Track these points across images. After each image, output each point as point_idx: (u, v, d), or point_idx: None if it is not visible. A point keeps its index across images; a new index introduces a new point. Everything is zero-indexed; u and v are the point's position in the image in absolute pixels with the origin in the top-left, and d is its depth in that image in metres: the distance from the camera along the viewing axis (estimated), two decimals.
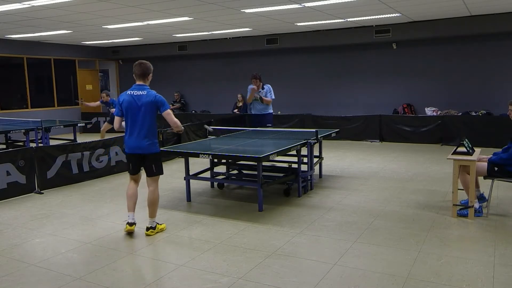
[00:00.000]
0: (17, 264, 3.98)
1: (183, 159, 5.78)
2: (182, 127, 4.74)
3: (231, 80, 14.45)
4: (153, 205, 4.61)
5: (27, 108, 13.88)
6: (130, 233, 4.66)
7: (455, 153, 5.00)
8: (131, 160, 4.65)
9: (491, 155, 5.03)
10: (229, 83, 14.46)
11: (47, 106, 14.57)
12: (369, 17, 9.98)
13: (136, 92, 4.44)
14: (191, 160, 6.15)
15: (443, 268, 3.69)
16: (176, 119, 4.54)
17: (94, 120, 14.58)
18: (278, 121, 12.50)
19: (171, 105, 15.13)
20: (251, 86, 8.15)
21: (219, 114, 13.32)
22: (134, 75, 4.53)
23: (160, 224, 4.76)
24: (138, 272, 3.78)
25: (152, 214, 4.64)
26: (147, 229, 4.60)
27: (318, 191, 6.37)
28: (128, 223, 4.61)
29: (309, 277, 3.57)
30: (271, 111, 8.39)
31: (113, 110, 10.00)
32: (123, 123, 4.58)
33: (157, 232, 4.66)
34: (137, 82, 4.54)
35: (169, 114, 4.46)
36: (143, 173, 4.72)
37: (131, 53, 15.51)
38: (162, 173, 4.68)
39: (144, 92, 4.43)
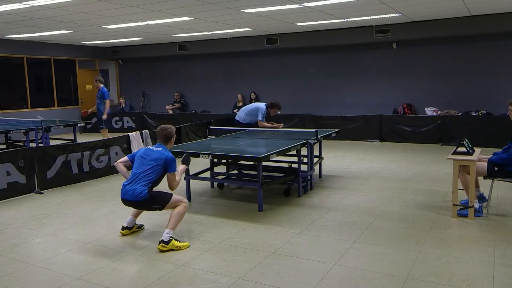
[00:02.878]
0: (17, 264, 3.98)
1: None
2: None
3: (231, 80, 14.45)
4: (173, 217, 4.30)
5: (27, 108, 13.88)
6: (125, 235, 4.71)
7: (455, 153, 5.01)
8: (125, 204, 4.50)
9: (491, 155, 5.03)
10: (229, 83, 14.46)
11: (47, 106, 14.57)
12: (369, 17, 9.98)
13: (154, 148, 4.51)
14: (191, 160, 6.14)
15: (443, 268, 3.69)
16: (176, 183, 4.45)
17: (94, 120, 14.56)
18: (279, 121, 12.49)
19: (171, 105, 15.14)
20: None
21: (219, 114, 13.31)
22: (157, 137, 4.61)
23: (179, 242, 4.26)
24: (138, 272, 3.78)
25: (170, 226, 4.26)
26: (159, 242, 4.21)
27: (318, 191, 6.37)
28: (123, 226, 4.72)
29: (309, 277, 3.57)
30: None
31: (104, 117, 9.74)
32: (124, 168, 4.57)
33: (171, 249, 4.18)
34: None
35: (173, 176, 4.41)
36: None
37: (131, 53, 15.52)
38: (168, 200, 4.36)
39: (160, 149, 4.46)
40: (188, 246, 4.28)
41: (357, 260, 3.90)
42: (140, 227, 4.85)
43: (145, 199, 4.24)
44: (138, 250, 4.27)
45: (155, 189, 4.38)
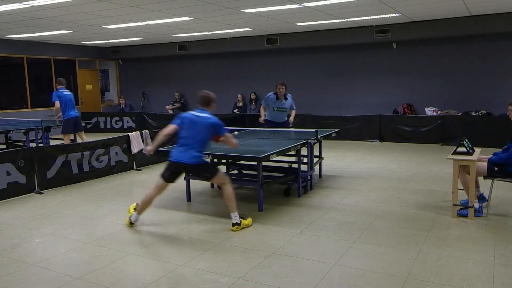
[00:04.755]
0: (17, 264, 3.98)
1: None
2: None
3: (231, 80, 14.45)
4: (227, 201, 4.74)
5: (27, 108, 13.88)
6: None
7: (455, 153, 5.00)
8: (171, 168, 4.73)
9: (491, 155, 5.03)
10: (229, 83, 14.46)
11: (47, 106, 14.56)
12: (369, 17, 9.98)
13: (199, 114, 4.72)
14: None
15: (443, 268, 3.69)
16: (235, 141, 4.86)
17: (94, 120, 14.60)
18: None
19: (171, 105, 15.14)
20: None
21: (219, 114, 13.22)
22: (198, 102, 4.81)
23: (246, 219, 4.80)
24: (138, 272, 3.78)
25: (231, 209, 4.73)
26: (233, 225, 4.70)
27: (318, 191, 6.37)
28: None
29: (309, 277, 3.57)
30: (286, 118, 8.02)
31: (59, 116, 9.10)
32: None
33: (243, 228, 4.72)
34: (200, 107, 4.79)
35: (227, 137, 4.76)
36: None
37: (131, 53, 15.52)
38: (216, 172, 4.79)
39: (206, 114, 4.71)
40: (251, 221, 4.85)
41: (357, 260, 3.90)
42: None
43: (201, 164, 4.62)
44: (138, 250, 4.27)
45: None
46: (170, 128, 4.71)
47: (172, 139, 5.04)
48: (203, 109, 4.74)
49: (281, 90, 7.66)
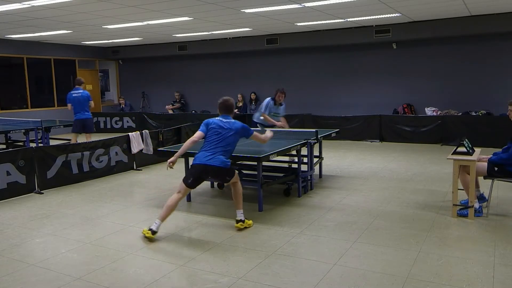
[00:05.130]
0: (17, 264, 3.98)
1: (183, 159, 5.78)
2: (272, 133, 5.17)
3: (231, 80, 14.45)
4: (237, 197, 4.86)
5: (27, 108, 13.88)
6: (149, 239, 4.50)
7: (455, 153, 5.00)
8: (197, 173, 4.68)
9: (491, 155, 5.03)
10: (229, 83, 14.45)
11: (47, 106, 14.57)
12: (369, 17, 9.98)
13: (224, 120, 4.80)
14: (191, 160, 6.14)
15: (443, 268, 3.69)
16: (264, 136, 5.02)
17: (94, 120, 14.56)
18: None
19: (171, 105, 15.14)
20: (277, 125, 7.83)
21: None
22: (219, 109, 4.86)
23: (248, 220, 4.88)
24: (138, 272, 3.77)
25: (239, 206, 4.84)
26: (237, 221, 4.78)
27: (318, 191, 6.37)
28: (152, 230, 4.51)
29: (309, 277, 3.57)
30: None
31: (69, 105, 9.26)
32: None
33: (245, 228, 4.79)
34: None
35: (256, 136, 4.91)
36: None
37: (131, 53, 15.52)
38: (234, 174, 4.83)
39: (231, 120, 4.81)
40: (252, 223, 4.91)
41: (357, 260, 3.90)
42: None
43: (228, 168, 4.67)
44: (138, 250, 4.27)
45: None
46: (198, 134, 4.72)
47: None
48: (227, 115, 4.82)
49: (281, 98, 7.77)
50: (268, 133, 5.06)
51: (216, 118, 4.82)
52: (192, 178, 4.67)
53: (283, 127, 7.90)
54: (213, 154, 4.62)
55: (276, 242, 4.38)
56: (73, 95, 9.30)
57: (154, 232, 4.49)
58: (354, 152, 9.77)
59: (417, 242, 4.27)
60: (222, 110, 4.84)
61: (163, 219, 4.57)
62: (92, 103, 9.51)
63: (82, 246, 4.41)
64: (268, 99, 7.86)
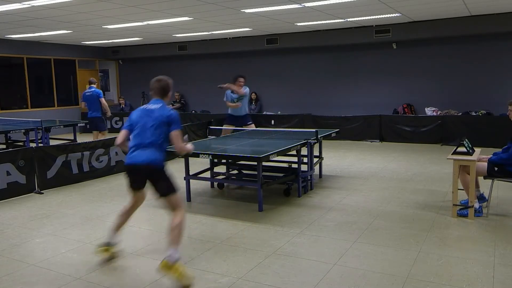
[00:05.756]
0: (17, 264, 3.98)
1: (183, 159, 5.78)
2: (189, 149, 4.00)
3: (231, 80, 14.41)
4: (175, 228, 3.64)
5: (27, 108, 13.88)
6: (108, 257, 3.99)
7: (455, 153, 5.01)
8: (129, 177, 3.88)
9: (491, 155, 5.03)
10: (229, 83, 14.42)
11: (47, 106, 14.57)
12: (369, 17, 9.98)
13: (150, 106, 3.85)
14: (191, 160, 6.15)
15: (443, 268, 3.69)
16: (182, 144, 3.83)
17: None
18: (278, 121, 12.51)
19: (171, 105, 15.15)
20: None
21: (219, 114, 13.29)
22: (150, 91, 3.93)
23: (180, 266, 3.49)
24: (138, 272, 3.77)
25: (173, 241, 3.59)
26: (168, 262, 3.49)
27: (318, 191, 6.37)
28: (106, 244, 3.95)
29: (309, 277, 3.57)
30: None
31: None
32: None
33: (175, 273, 3.46)
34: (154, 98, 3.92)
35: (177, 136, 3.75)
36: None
37: (131, 53, 15.52)
38: (171, 190, 3.72)
39: (159, 105, 3.82)
40: (191, 282, 3.47)
41: (357, 260, 3.90)
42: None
43: (161, 167, 3.71)
44: (138, 250, 4.27)
45: None
46: (123, 135, 3.91)
47: None
48: (158, 99, 3.87)
49: (238, 87, 8.28)
50: (189, 145, 4.02)
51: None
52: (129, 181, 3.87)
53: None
54: (140, 150, 3.71)
55: (276, 242, 4.38)
56: (86, 93, 9.72)
57: (108, 244, 3.95)
58: (354, 152, 9.77)
59: (417, 242, 4.27)
60: (153, 92, 3.89)
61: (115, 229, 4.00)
62: (103, 100, 9.73)
63: (82, 246, 4.41)
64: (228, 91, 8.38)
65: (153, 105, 3.83)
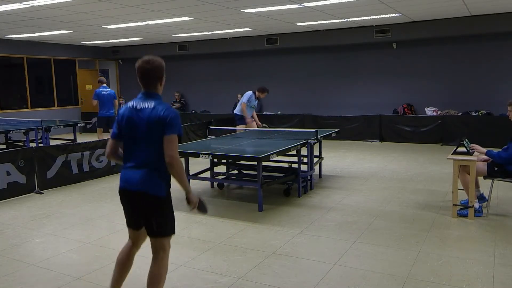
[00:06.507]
0: (17, 264, 3.98)
1: (183, 159, 5.77)
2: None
3: (231, 80, 14.45)
4: (161, 275, 2.95)
5: (27, 108, 13.88)
6: None
7: (455, 153, 5.01)
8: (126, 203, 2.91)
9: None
10: (229, 83, 14.45)
11: (47, 106, 14.57)
12: (369, 17, 9.98)
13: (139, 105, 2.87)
14: (191, 160, 6.15)
15: (443, 268, 3.69)
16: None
17: (94, 120, 14.57)
18: (278, 121, 12.51)
19: (171, 105, 15.13)
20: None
21: (219, 114, 13.32)
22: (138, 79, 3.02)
23: None
24: (138, 272, 3.77)
25: None
26: None
27: (318, 191, 6.37)
28: None
29: (309, 277, 3.57)
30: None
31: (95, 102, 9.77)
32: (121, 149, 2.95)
33: None
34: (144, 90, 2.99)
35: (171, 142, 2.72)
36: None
37: (131, 53, 15.51)
38: (168, 231, 2.90)
39: (152, 104, 2.86)
40: None
41: (357, 260, 3.90)
42: None
43: (161, 197, 2.75)
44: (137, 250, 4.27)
45: None
46: (111, 146, 2.97)
47: None
48: (150, 91, 3.04)
49: (262, 97, 8.72)
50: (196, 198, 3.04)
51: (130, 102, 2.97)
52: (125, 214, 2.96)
53: (250, 127, 8.53)
54: (134, 168, 2.78)
55: (276, 242, 4.38)
56: (103, 92, 9.84)
57: None
58: (354, 152, 9.77)
59: (417, 242, 4.27)
60: (144, 82, 3.05)
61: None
62: (117, 102, 10.05)
63: (82, 246, 4.41)
64: (249, 92, 8.63)
65: (143, 103, 2.85)
